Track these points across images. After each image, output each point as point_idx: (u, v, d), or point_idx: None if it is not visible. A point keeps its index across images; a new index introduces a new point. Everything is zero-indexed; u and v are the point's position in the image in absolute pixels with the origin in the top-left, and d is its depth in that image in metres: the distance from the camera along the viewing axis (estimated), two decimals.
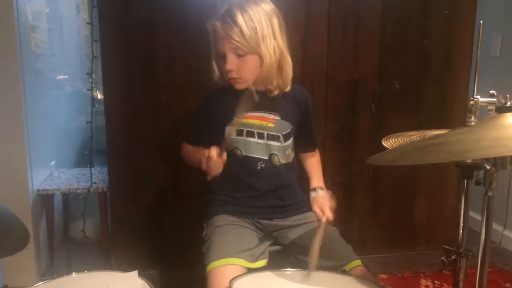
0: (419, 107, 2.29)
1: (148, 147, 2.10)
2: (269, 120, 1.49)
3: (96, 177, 2.41)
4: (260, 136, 1.47)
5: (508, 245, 2.66)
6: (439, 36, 2.24)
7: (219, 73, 1.48)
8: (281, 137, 1.49)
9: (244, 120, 1.46)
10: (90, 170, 2.39)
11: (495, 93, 1.04)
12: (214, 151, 1.32)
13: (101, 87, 2.09)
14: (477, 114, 1.10)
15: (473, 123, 1.06)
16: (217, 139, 1.44)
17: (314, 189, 1.56)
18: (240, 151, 1.47)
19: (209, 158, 1.32)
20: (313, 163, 1.65)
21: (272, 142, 1.48)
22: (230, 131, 1.44)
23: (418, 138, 1.10)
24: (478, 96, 1.07)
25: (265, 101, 1.47)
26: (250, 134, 1.47)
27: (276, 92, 1.48)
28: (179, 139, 2.07)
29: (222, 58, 1.42)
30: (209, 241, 1.41)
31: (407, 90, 2.26)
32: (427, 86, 2.28)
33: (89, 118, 2.25)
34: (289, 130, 1.50)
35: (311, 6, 2.10)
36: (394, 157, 0.89)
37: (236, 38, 1.36)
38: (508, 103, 0.83)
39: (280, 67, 1.46)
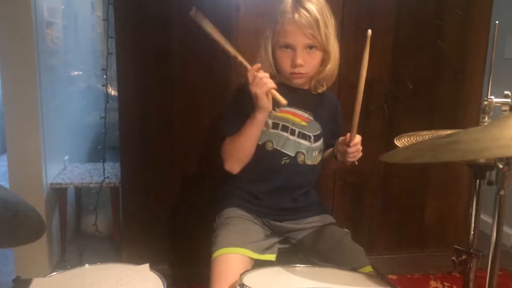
0: (432, 108, 2.27)
1: (161, 143, 2.12)
2: (303, 118, 1.48)
3: (108, 172, 2.44)
4: (292, 132, 1.46)
5: None
6: (454, 37, 2.23)
7: (281, 66, 1.41)
8: (312, 137, 1.48)
9: (280, 114, 1.45)
10: (103, 165, 2.42)
11: (510, 94, 1.04)
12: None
13: (115, 84, 2.11)
14: (491, 114, 1.10)
15: (486, 124, 1.05)
16: None
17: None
18: (272, 143, 1.45)
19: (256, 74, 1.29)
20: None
21: (302, 141, 1.47)
22: (267, 123, 1.42)
23: (430, 138, 1.10)
24: (492, 97, 1.07)
25: (302, 99, 1.47)
26: (285, 128, 1.45)
27: (320, 90, 1.48)
28: (192, 135, 2.11)
29: (287, 50, 1.38)
30: (217, 231, 1.42)
31: (420, 91, 2.25)
32: (441, 87, 2.27)
33: (102, 114, 2.28)
34: (319, 132, 1.49)
35: None
36: (408, 155, 0.89)
37: (311, 31, 1.34)
38: None
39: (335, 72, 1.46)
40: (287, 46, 1.38)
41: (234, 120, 1.45)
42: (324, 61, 1.43)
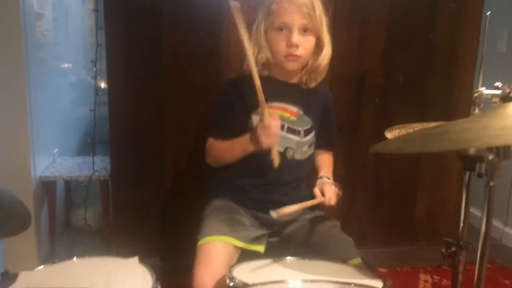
0: (423, 101, 2.28)
1: (150, 137, 2.10)
2: (292, 113, 1.46)
3: (98, 165, 2.42)
4: (281, 127, 1.42)
5: (508, 242, 2.65)
6: (446, 31, 2.23)
7: (275, 49, 1.39)
8: (302, 132, 1.47)
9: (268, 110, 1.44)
10: (93, 158, 2.39)
11: (500, 85, 1.04)
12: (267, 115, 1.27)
13: (105, 76, 2.09)
14: (481, 106, 1.09)
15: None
16: (244, 127, 1.42)
17: (321, 177, 1.52)
18: None
19: (264, 125, 1.26)
20: (326, 159, 1.61)
21: (291, 136, 1.46)
22: (254, 119, 1.41)
23: (421, 129, 1.10)
24: (483, 88, 1.07)
25: (292, 93, 1.46)
26: None
27: (312, 85, 1.47)
28: (183, 128, 2.09)
29: (282, 32, 1.36)
30: (204, 220, 1.42)
31: (412, 84, 2.25)
32: (432, 80, 2.27)
33: (92, 107, 2.25)
34: (309, 126, 1.48)
35: None
36: (398, 146, 0.89)
37: (307, 11, 1.34)
38: None
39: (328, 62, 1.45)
40: (282, 28, 1.37)
41: (221, 120, 1.47)
42: (317, 50, 1.42)
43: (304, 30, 1.37)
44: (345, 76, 2.20)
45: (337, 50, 2.17)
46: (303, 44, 1.37)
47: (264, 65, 1.43)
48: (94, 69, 2.28)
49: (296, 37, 1.35)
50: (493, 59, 2.68)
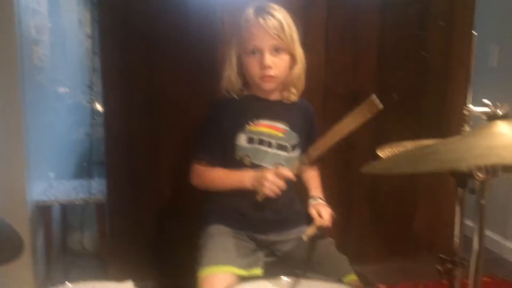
0: (418, 118, 2.29)
1: (147, 160, 2.11)
2: (279, 130, 1.48)
3: (94, 188, 2.41)
4: (270, 144, 1.46)
5: (509, 256, 2.64)
6: (437, 48, 2.26)
7: (250, 72, 1.43)
8: (289, 147, 1.48)
9: (255, 128, 1.45)
10: (89, 181, 2.39)
11: (489, 102, 1.05)
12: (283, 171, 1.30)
13: (101, 100, 2.11)
14: (471, 123, 1.10)
15: (465, 133, 1.06)
16: (230, 148, 1.45)
17: (313, 197, 1.53)
18: (250, 158, 1.45)
19: (272, 180, 1.29)
20: (313, 176, 1.63)
21: (280, 152, 1.47)
22: (242, 138, 1.44)
23: (411, 148, 1.11)
24: (471, 105, 1.08)
25: (276, 110, 1.49)
26: (261, 142, 1.46)
27: (293, 98, 1.50)
28: (178, 151, 2.10)
29: (255, 55, 1.40)
30: (202, 248, 1.41)
31: (405, 102, 2.26)
32: (426, 97, 2.29)
33: (88, 130, 2.26)
34: (296, 142, 1.50)
35: (308, 18, 2.12)
36: (388, 166, 0.89)
37: (276, 32, 1.37)
38: (499, 112, 0.83)
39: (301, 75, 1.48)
40: (254, 51, 1.40)
41: (208, 143, 1.49)
42: (292, 65, 1.45)
43: (276, 50, 1.40)
44: (339, 94, 2.22)
45: (331, 69, 2.23)
46: (277, 64, 1.40)
47: (244, 85, 1.48)
48: (90, 93, 2.30)
49: (268, 59, 1.38)
50: (485, 74, 2.71)
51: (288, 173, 1.30)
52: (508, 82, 2.62)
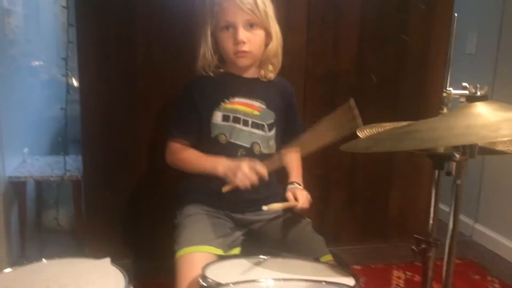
0: (396, 101, 2.31)
1: (124, 135, 2.07)
2: (255, 108, 1.47)
3: (70, 165, 2.37)
4: (245, 123, 1.45)
5: (479, 239, 2.72)
6: (417, 31, 2.27)
7: (224, 48, 1.42)
8: (266, 126, 1.48)
9: (231, 106, 1.44)
10: (64, 158, 2.34)
11: (467, 85, 1.06)
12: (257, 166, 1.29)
13: (77, 74, 2.05)
14: (449, 106, 1.12)
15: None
16: (205, 126, 1.44)
17: (292, 183, 1.53)
18: (225, 136, 1.45)
19: (246, 173, 1.28)
20: (294, 159, 1.61)
21: (256, 130, 1.47)
22: (217, 116, 1.43)
23: (391, 128, 1.12)
24: (451, 88, 1.10)
25: (253, 88, 1.48)
26: (236, 120, 1.45)
27: (270, 76, 1.49)
28: (156, 127, 2.07)
29: (229, 31, 1.39)
30: (179, 229, 1.40)
31: (385, 84, 2.28)
32: (405, 80, 2.31)
33: (63, 105, 2.21)
34: (273, 120, 1.50)
35: None
36: (368, 144, 0.90)
37: (250, 7, 1.36)
38: (478, 93, 0.84)
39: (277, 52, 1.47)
40: (228, 27, 1.39)
41: (182, 121, 1.48)
42: (268, 41, 1.45)
43: (250, 25, 1.40)
44: (319, 76, 2.22)
45: (311, 51, 2.22)
46: (251, 39, 1.40)
47: (220, 63, 1.48)
48: (66, 67, 2.23)
49: (242, 34, 1.38)
50: (463, 60, 2.75)
51: (263, 170, 1.29)
52: (485, 68, 2.67)
